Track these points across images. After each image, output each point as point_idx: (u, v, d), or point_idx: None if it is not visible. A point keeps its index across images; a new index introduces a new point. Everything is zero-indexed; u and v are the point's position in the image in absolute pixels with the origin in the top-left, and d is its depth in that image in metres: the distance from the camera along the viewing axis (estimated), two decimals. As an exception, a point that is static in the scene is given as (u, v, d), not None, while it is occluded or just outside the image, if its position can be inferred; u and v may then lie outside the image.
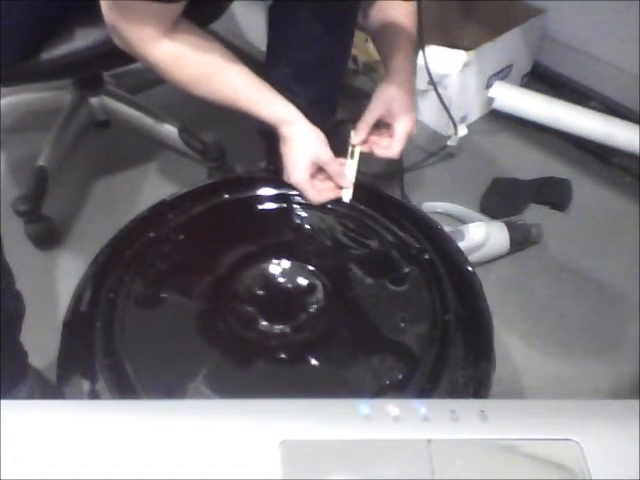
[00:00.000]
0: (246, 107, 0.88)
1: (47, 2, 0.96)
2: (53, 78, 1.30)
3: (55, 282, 1.19)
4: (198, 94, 0.88)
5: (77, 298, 0.78)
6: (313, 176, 0.90)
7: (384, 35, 1.01)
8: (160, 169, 1.46)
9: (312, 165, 0.89)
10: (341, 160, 0.92)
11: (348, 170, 0.92)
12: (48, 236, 1.29)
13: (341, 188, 0.91)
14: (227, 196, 0.91)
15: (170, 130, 1.41)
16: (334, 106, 1.14)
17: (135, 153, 1.51)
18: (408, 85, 0.96)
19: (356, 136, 0.95)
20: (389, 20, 1.00)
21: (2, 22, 0.89)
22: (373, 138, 0.97)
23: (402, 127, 0.94)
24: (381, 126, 0.97)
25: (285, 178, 0.90)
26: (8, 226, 0.81)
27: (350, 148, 0.94)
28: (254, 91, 0.88)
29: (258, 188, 0.92)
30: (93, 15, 1.00)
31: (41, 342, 0.80)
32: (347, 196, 0.90)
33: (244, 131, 1.43)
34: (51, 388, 0.87)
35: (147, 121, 1.43)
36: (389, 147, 0.95)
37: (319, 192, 0.89)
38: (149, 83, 1.57)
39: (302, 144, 0.88)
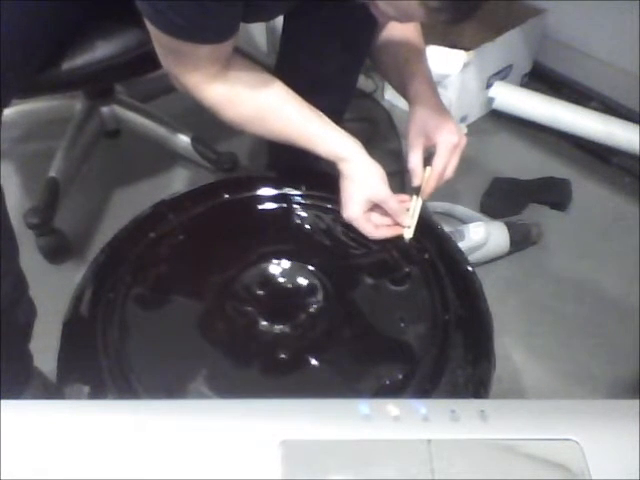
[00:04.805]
0: (303, 144, 0.86)
1: (66, 13, 0.93)
2: (71, 89, 1.26)
3: (67, 295, 1.16)
4: (254, 132, 0.88)
5: (77, 298, 0.78)
6: (372, 210, 0.86)
7: (392, 54, 0.98)
8: (172, 179, 1.44)
9: (368, 202, 0.85)
10: (401, 197, 0.88)
11: (412, 208, 0.87)
12: (59, 249, 1.25)
13: (401, 225, 0.86)
14: (227, 196, 0.91)
15: (182, 139, 1.39)
16: (343, 114, 1.13)
17: (147, 163, 1.48)
18: (434, 101, 0.91)
19: (415, 178, 0.89)
20: (393, 37, 0.97)
21: (21, 33, 0.87)
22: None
23: (443, 141, 0.88)
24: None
25: (341, 212, 0.87)
26: (19, 237, 0.81)
27: (413, 193, 0.89)
28: (311, 128, 0.85)
29: (258, 188, 0.92)
30: (112, 25, 0.99)
31: (46, 346, 0.80)
32: (408, 234, 0.85)
33: (257, 141, 1.41)
34: (54, 389, 0.88)
35: (159, 130, 1.41)
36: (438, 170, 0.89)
37: (376, 228, 0.86)
38: (160, 91, 1.53)
39: (359, 182, 0.85)
